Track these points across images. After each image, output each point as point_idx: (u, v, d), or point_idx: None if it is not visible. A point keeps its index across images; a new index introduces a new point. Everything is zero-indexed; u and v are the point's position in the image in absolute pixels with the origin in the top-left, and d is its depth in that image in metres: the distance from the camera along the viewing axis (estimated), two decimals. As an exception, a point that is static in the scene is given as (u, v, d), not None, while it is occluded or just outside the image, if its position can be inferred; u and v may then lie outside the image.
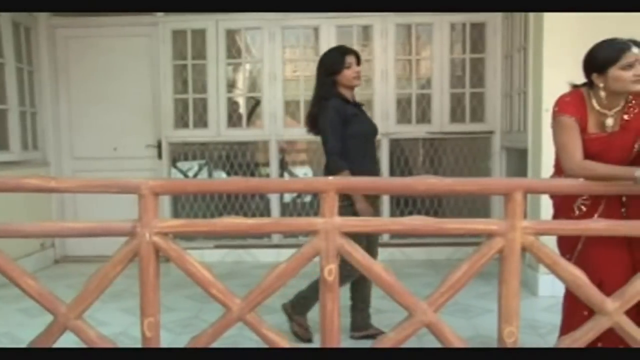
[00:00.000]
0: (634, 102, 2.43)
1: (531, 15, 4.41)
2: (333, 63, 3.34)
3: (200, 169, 6.34)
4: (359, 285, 3.50)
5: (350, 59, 3.35)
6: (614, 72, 2.34)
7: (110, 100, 5.69)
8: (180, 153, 6.16)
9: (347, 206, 3.11)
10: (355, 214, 3.13)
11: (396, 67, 5.65)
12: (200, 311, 3.99)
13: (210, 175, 6.23)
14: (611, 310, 2.24)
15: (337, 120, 3.25)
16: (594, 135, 2.46)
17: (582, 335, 2.29)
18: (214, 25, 5.56)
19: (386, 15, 5.46)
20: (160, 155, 5.70)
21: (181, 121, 5.79)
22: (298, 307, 3.48)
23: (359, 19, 5.54)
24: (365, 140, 3.36)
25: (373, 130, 3.48)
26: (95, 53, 5.67)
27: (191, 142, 5.94)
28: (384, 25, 5.52)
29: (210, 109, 5.68)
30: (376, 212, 3.43)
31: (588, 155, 2.42)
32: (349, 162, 3.19)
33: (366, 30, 5.78)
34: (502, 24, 5.33)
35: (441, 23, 5.40)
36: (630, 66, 2.32)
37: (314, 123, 3.41)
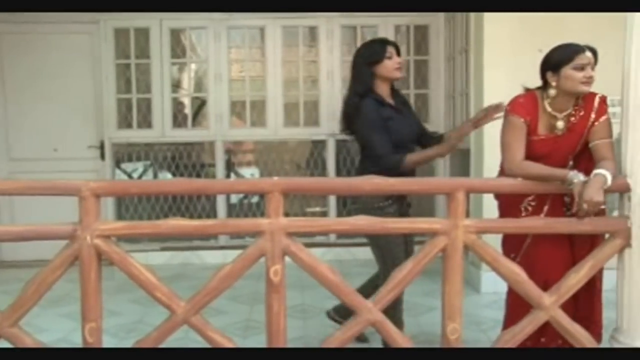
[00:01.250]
0: (580, 105, 2.53)
1: (472, 18, 4.52)
2: (373, 52, 3.01)
3: (145, 170, 6.22)
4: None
5: (391, 49, 3.02)
6: (566, 71, 2.46)
7: (50, 99, 5.50)
8: (124, 154, 6.02)
9: (387, 206, 2.89)
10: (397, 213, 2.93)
11: (342, 68, 5.68)
12: (145, 315, 3.91)
13: (155, 176, 6.12)
14: (548, 305, 2.33)
15: (377, 118, 2.91)
16: (543, 137, 2.55)
17: (521, 330, 2.37)
18: (158, 24, 5.46)
19: (331, 17, 5.49)
20: (103, 157, 5.56)
21: (125, 121, 5.66)
22: (342, 310, 3.18)
23: (305, 20, 5.55)
24: (399, 149, 2.93)
25: (410, 134, 3.05)
26: (33, 50, 5.47)
27: (135, 142, 5.82)
28: (330, 27, 5.54)
29: (155, 109, 5.57)
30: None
31: (537, 156, 2.51)
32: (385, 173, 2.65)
33: (312, 32, 5.80)
34: (445, 27, 5.44)
35: (385, 25, 5.47)
36: (582, 68, 2.44)
37: (349, 122, 3.05)
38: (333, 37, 5.56)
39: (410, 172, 2.96)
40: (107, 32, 5.44)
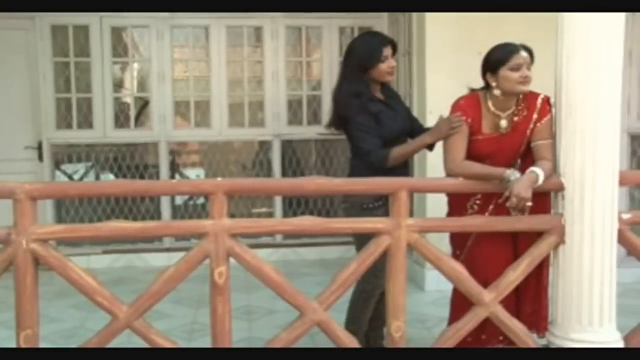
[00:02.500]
0: (523, 105, 2.59)
1: (414, 21, 4.60)
2: (369, 56, 2.84)
3: (86, 171, 6.06)
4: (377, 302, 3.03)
5: (387, 51, 2.86)
6: (503, 72, 2.51)
7: (-18, 98, 5.29)
8: (64, 155, 5.84)
9: (377, 208, 2.77)
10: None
11: (287, 69, 5.69)
12: (86, 320, 3.81)
13: (97, 178, 5.97)
14: (488, 301, 2.39)
15: (368, 121, 2.81)
16: (487, 136, 2.60)
17: (463, 326, 2.42)
18: (98, 21, 5.31)
19: (276, 17, 5.49)
20: (41, 158, 5.38)
21: (64, 121, 5.50)
22: (353, 326, 2.90)
23: (249, 20, 5.52)
24: (391, 143, 2.83)
25: (402, 127, 2.95)
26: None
27: (76, 143, 5.65)
28: (274, 27, 5.53)
29: (96, 109, 5.43)
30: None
31: (482, 155, 2.57)
32: (375, 171, 2.70)
33: (257, 32, 5.78)
34: (388, 29, 5.50)
35: (330, 26, 5.50)
36: (517, 68, 2.49)
37: (340, 121, 2.92)
38: (278, 38, 5.55)
39: (401, 167, 2.88)
40: (44, 29, 5.27)
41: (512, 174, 2.37)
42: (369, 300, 2.88)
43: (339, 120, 2.91)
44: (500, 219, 2.51)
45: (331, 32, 5.54)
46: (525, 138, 2.58)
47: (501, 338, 2.61)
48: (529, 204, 2.31)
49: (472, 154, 2.56)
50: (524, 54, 2.51)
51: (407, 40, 4.84)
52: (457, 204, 2.71)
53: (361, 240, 2.78)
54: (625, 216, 2.45)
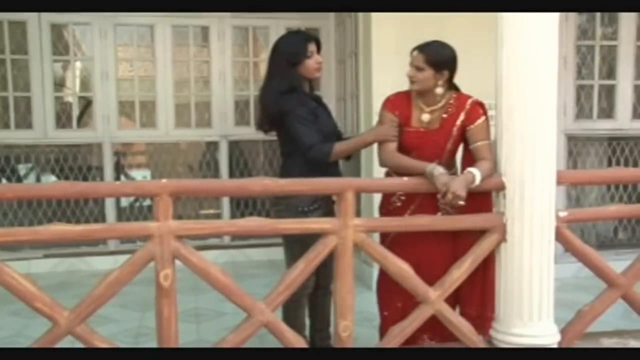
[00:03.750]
0: (453, 103, 2.66)
1: (361, 22, 4.64)
2: (295, 52, 2.86)
3: (27, 173, 5.87)
4: (317, 302, 3.06)
5: (312, 47, 2.89)
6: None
7: None
8: (1, 156, 5.64)
9: (313, 210, 2.76)
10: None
11: (234, 69, 5.65)
12: (25, 327, 3.68)
13: (38, 179, 5.79)
14: (433, 299, 2.44)
15: (308, 115, 2.80)
16: (414, 129, 2.68)
17: (409, 324, 2.46)
18: (36, 17, 5.14)
19: (223, 17, 5.44)
20: (-24, 159, 5.19)
21: (1, 121, 5.31)
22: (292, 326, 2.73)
23: (195, 20, 5.46)
24: (328, 140, 2.83)
25: (333, 127, 3.00)
26: None
27: (14, 144, 5.46)
28: (221, 27, 5.49)
29: (36, 109, 5.26)
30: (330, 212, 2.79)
31: (410, 147, 2.65)
32: (309, 168, 2.71)
33: (204, 31, 5.72)
34: (335, 30, 5.55)
35: (277, 27, 5.48)
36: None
37: (274, 122, 2.88)
38: (225, 38, 5.51)
39: (334, 167, 2.89)
40: (-23, 25, 5.08)
41: (435, 168, 2.43)
42: (300, 301, 2.86)
43: (273, 118, 2.87)
44: (444, 218, 2.56)
45: (278, 32, 5.49)
46: (451, 136, 2.65)
47: (425, 337, 2.67)
48: (462, 203, 2.36)
49: (401, 146, 2.67)
50: (414, 53, 2.62)
51: (354, 41, 4.88)
52: (386, 196, 2.80)
53: (291, 243, 2.81)
54: (563, 214, 2.53)
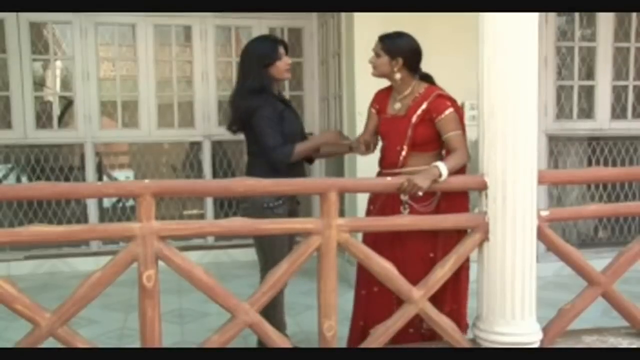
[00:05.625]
0: (422, 92, 2.75)
1: (343, 22, 4.65)
2: (265, 54, 2.94)
3: (6, 174, 5.79)
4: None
5: (282, 50, 2.98)
6: None
7: None
8: (-20, 156, 5.58)
9: (278, 206, 2.86)
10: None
11: (217, 69, 5.63)
12: (4, 330, 3.64)
13: (18, 180, 5.72)
14: (417, 298, 2.45)
15: (274, 115, 2.89)
16: (386, 116, 2.85)
17: (393, 323, 2.47)
18: (14, 15, 5.07)
19: (205, 17, 5.42)
20: (-45, 160, 5.12)
21: (-21, 121, 5.25)
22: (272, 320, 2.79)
23: (178, 19, 5.43)
24: (292, 142, 2.92)
25: (300, 129, 3.10)
26: None
27: (-7, 144, 5.40)
28: (204, 27, 5.47)
29: (15, 109, 5.20)
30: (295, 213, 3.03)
31: (382, 134, 2.87)
32: (272, 167, 2.82)
33: (186, 31, 5.69)
34: (318, 30, 5.55)
35: (260, 27, 5.48)
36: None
37: (243, 122, 2.97)
38: (207, 38, 5.49)
39: (299, 165, 2.97)
40: (-48, 22, 5.00)
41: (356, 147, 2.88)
42: (277, 297, 2.81)
43: (241, 116, 2.96)
44: (427, 217, 2.58)
45: (261, 32, 5.49)
46: (411, 124, 2.71)
47: (410, 330, 2.68)
48: (420, 193, 2.47)
49: (379, 133, 2.89)
50: (376, 41, 2.80)
51: (337, 41, 4.89)
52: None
53: (260, 240, 2.93)
54: (544, 213, 2.56)
